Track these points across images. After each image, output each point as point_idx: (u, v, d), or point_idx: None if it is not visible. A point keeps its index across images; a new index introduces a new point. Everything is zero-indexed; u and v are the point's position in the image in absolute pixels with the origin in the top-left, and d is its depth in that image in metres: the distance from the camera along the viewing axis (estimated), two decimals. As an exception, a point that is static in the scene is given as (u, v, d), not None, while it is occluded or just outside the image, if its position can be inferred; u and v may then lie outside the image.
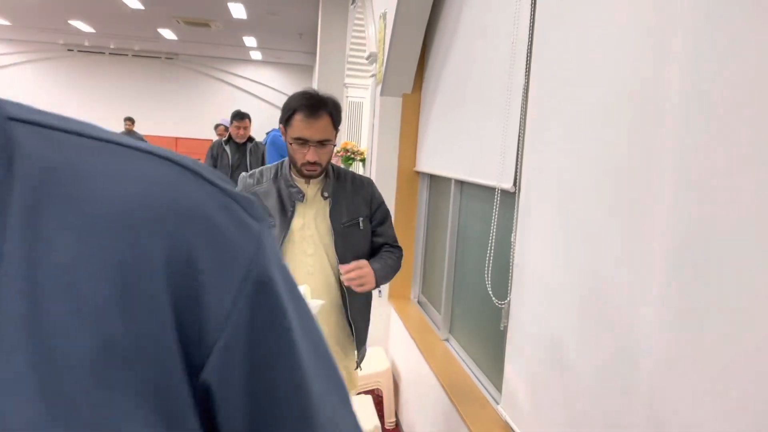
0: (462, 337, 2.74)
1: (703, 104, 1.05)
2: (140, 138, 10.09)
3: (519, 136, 1.93)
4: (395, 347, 3.44)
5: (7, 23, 12.51)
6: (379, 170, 3.53)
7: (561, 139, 1.62)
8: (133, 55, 15.33)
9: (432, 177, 3.42)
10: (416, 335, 2.93)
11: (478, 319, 2.50)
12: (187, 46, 14.15)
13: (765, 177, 0.91)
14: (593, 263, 1.42)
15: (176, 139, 15.32)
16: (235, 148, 5.31)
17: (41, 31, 13.44)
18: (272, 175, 1.97)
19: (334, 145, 1.90)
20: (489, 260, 2.17)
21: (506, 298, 1.99)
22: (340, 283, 1.92)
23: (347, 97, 6.54)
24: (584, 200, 1.48)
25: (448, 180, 2.99)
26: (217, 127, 6.42)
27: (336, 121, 1.87)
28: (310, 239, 1.92)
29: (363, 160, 4.90)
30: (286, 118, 1.85)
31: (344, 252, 1.91)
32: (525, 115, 1.89)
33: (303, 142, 1.83)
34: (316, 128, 1.82)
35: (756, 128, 0.93)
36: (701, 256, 1.04)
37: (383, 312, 3.57)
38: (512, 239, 1.96)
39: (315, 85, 7.85)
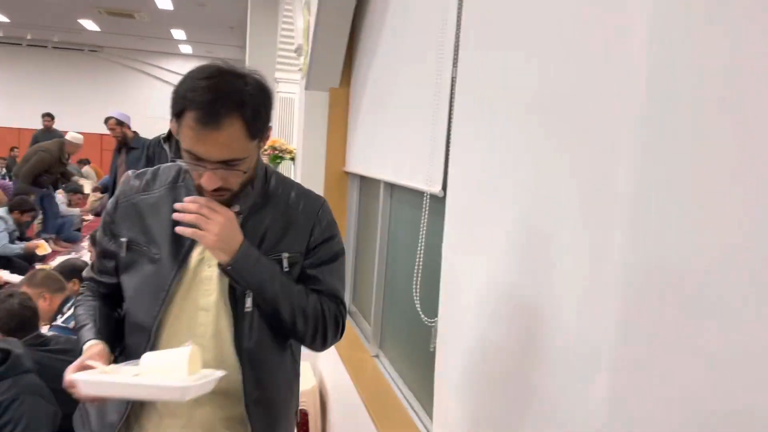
0: (393, 354, 2.53)
1: (660, 104, 0.86)
2: (59, 135, 9.47)
3: (447, 137, 1.73)
4: (323, 362, 3.20)
5: None
6: (306, 170, 3.28)
7: (490, 142, 1.42)
8: (53, 47, 14.47)
9: (362, 178, 3.20)
10: (344, 351, 2.70)
11: (408, 337, 2.29)
12: (111, 39, 13.44)
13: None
14: (525, 279, 1.23)
15: (101, 135, 14.54)
16: (177, 148, 4.72)
17: (-52, 19, 12.48)
18: (170, 179, 1.28)
19: (246, 169, 1.17)
20: (418, 273, 1.96)
21: (435, 317, 1.78)
22: (240, 354, 1.24)
23: (278, 92, 6.24)
24: (515, 208, 1.28)
25: (377, 182, 2.78)
26: (107, 120, 5.22)
27: (253, 127, 1.13)
28: (207, 283, 1.24)
29: (294, 159, 4.65)
30: (177, 113, 1.12)
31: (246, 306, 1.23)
32: (452, 115, 1.69)
33: (196, 159, 1.13)
34: (216, 143, 1.10)
35: (728, 129, 0.74)
36: (654, 268, 0.85)
37: (311, 323, 3.33)
38: (442, 250, 1.76)
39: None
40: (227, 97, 1.09)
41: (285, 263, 1.26)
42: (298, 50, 3.93)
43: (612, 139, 0.97)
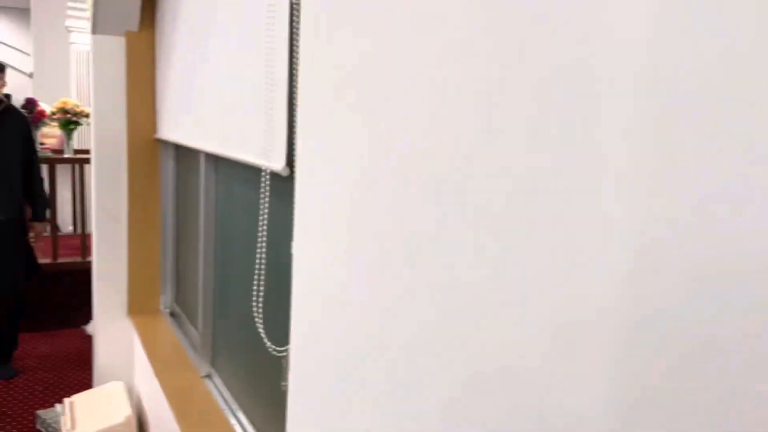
0: (230, 374, 1.98)
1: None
2: None
3: (290, 92, 1.21)
4: (142, 384, 2.56)
5: None
6: (101, 137, 2.56)
7: (359, 97, 0.93)
8: None
9: (179, 148, 2.56)
10: (163, 372, 2.10)
11: (252, 365, 1.77)
12: None
13: None
14: (421, 297, 0.77)
15: None
16: None
17: None
18: None
19: None
20: (259, 280, 1.44)
21: (286, 345, 1.29)
22: None
23: (72, 44, 5.19)
24: (390, 193, 0.81)
25: (197, 153, 2.18)
26: None
27: None
28: None
29: (92, 125, 3.80)
30: None
31: None
32: (295, 71, 1.17)
33: None
34: None
35: None
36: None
37: (124, 333, 2.65)
38: (292, 249, 1.25)
39: (32, 32, 6.18)
40: None
41: None
42: (86, -14, 3.10)
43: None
